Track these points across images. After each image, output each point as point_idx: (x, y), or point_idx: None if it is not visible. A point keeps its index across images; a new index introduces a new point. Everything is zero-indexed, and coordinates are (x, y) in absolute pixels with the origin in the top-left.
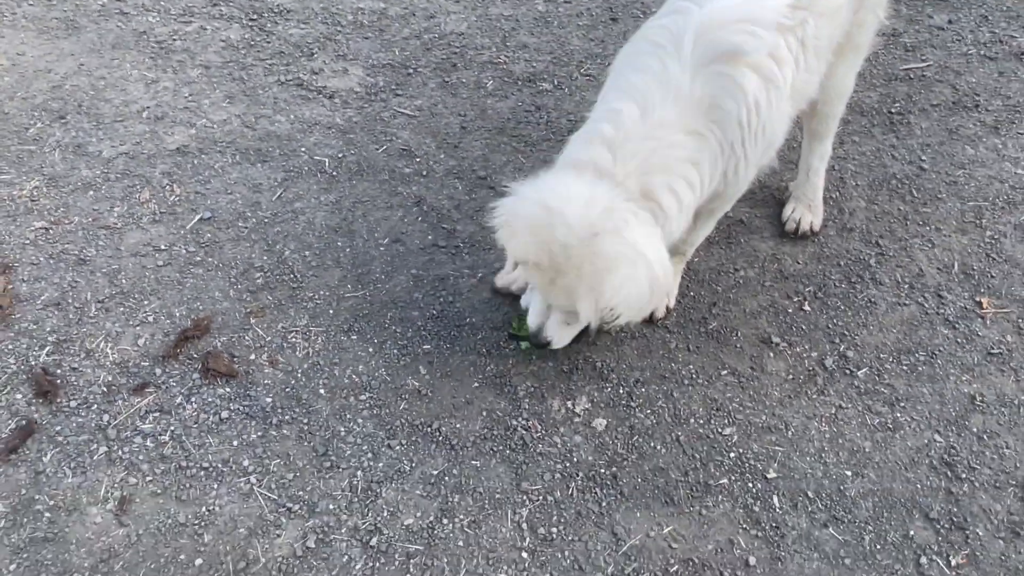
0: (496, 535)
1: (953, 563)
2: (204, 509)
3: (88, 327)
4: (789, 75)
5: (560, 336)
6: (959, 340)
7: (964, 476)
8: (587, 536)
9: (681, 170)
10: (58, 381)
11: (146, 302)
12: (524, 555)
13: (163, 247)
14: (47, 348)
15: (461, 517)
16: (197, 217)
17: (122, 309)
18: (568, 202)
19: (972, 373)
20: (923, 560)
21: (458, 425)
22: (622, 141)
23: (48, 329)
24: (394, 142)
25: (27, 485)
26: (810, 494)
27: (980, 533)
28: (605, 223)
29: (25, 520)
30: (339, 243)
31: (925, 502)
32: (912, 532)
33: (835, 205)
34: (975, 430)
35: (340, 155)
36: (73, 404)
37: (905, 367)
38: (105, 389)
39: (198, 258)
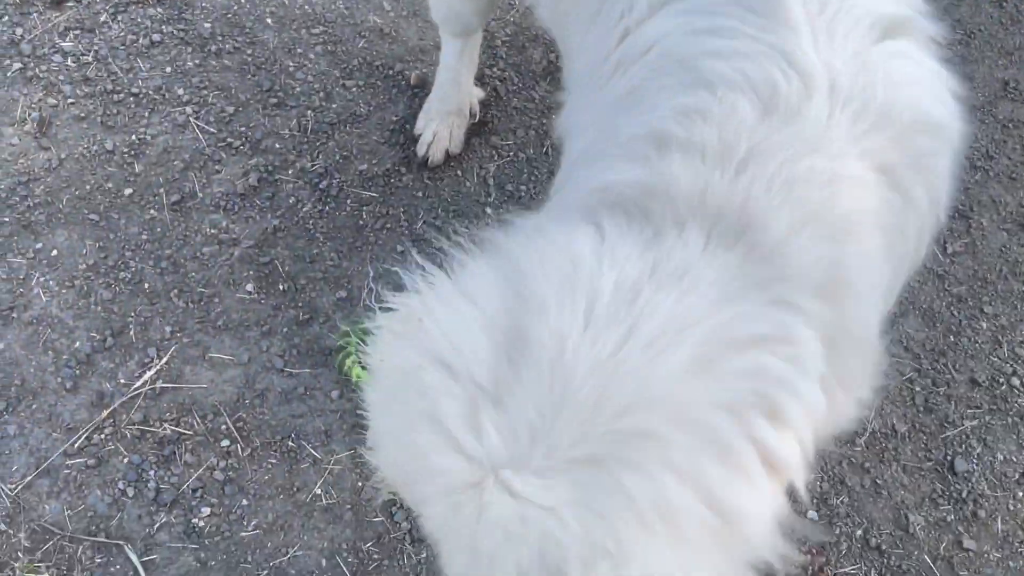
0: (460, 188)
1: (950, 250)
2: (134, 137)
3: None
4: None
5: None
6: (1003, 20)
7: (979, 165)
8: None
9: None
10: None
11: None
12: (488, 210)
13: None
14: None
15: (421, 168)
16: None
17: None
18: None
19: (1011, 58)
20: None
21: (424, 70)
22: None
23: None
24: None
25: None
26: None
27: (984, 223)
28: None
29: None
30: None
31: None
32: None
33: None
34: (1001, 117)
35: None
36: None
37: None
38: (17, 0)
39: None
